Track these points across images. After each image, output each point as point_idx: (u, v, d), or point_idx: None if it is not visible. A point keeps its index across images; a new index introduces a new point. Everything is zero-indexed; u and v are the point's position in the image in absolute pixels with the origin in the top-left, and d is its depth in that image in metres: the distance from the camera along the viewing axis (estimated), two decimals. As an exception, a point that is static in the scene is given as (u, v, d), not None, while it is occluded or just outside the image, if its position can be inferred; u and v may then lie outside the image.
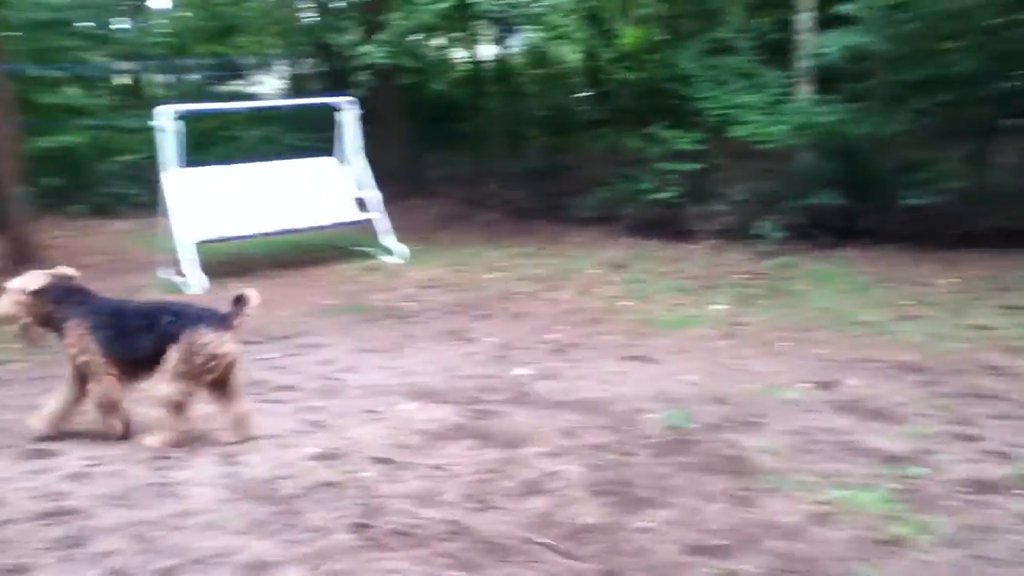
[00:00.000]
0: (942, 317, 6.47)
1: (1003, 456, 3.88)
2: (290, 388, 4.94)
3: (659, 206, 10.14)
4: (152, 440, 3.84)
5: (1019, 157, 10.76)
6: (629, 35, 17.15)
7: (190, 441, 3.91)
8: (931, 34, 8.92)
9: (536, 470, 3.79)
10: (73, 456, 3.63)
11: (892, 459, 3.89)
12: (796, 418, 4.45)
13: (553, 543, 3.14)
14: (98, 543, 2.83)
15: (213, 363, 3.87)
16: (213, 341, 3.89)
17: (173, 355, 3.83)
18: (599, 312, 7.03)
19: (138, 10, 19.17)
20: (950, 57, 8.98)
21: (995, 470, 3.73)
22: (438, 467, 3.82)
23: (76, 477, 3.40)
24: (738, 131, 9.42)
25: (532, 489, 3.60)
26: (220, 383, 3.96)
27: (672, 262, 8.90)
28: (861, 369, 5.30)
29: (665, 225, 10.12)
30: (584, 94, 19.00)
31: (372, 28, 10.68)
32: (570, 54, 18.08)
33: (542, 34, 11.49)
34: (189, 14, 18.86)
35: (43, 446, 3.79)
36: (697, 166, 10.17)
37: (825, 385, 5.00)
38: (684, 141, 10.00)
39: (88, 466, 3.54)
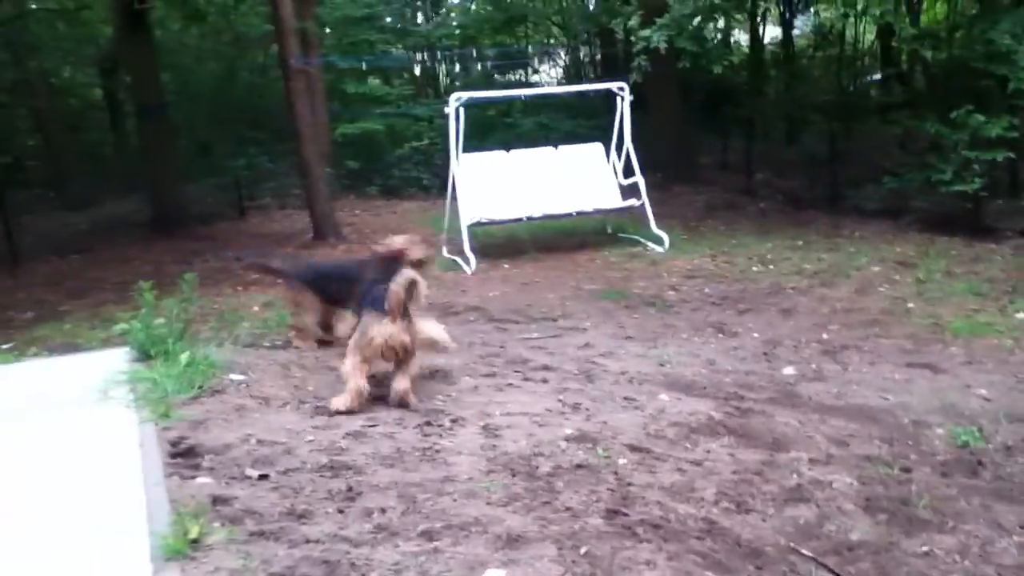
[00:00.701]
0: None
1: None
2: (550, 368, 5.04)
3: (957, 199, 9.17)
4: (336, 402, 4.11)
5: None
6: (934, 10, 15.65)
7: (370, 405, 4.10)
8: None
9: (801, 477, 3.58)
10: (355, 417, 3.95)
11: None
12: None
13: (817, 556, 2.96)
14: (370, 499, 3.05)
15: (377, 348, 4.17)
16: (376, 328, 4.15)
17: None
18: (879, 313, 6.52)
19: (436, 4, 20.53)
20: None
21: None
22: (695, 462, 3.72)
23: (356, 436, 3.69)
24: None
25: (795, 496, 3.41)
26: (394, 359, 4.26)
27: (969, 262, 8.03)
28: None
29: (963, 220, 9.15)
30: (875, 76, 17.67)
31: (653, 12, 10.59)
32: (863, 33, 16.90)
33: (835, 11, 10.77)
34: (480, 7, 19.90)
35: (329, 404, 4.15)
36: (1007, 155, 9.08)
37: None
38: (993, 127, 8.96)
39: (366, 426, 3.83)
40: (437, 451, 3.58)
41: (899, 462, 3.74)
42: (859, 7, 11.97)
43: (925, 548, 3.02)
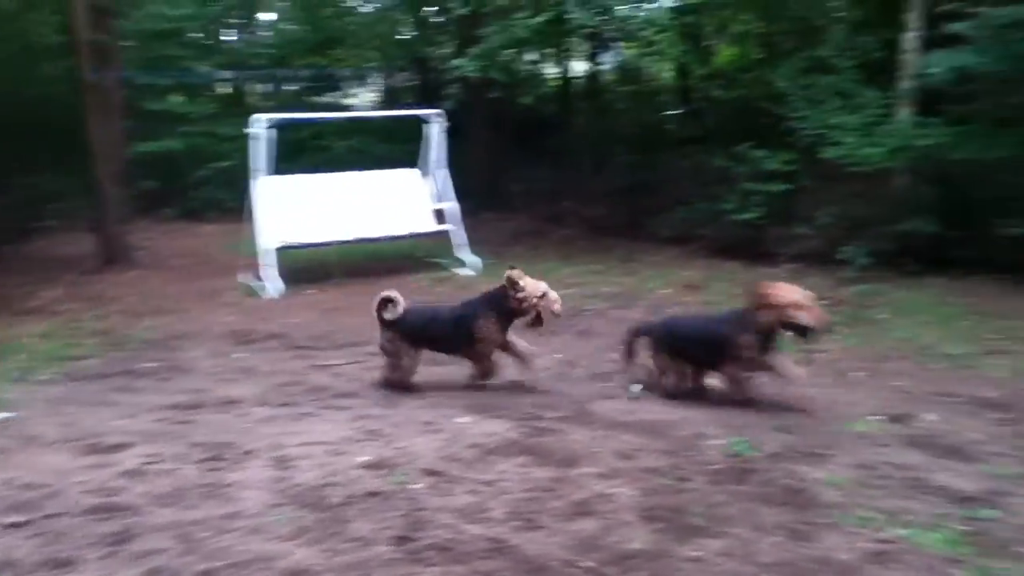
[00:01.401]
0: (1031, 354, 6.13)
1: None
2: (350, 395, 5.00)
3: (741, 227, 9.93)
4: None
5: None
6: (724, 53, 16.92)
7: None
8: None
9: (587, 491, 3.73)
10: (132, 454, 3.74)
11: (962, 499, 3.70)
12: (864, 451, 4.27)
13: (598, 567, 3.08)
14: (144, 541, 2.90)
15: None
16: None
17: None
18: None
19: (247, 22, 19.92)
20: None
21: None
22: (487, 483, 3.80)
23: (132, 474, 3.50)
24: (831, 152, 9.13)
25: (581, 510, 3.55)
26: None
27: (743, 285, 8.68)
28: (938, 403, 5.06)
29: (746, 247, 9.89)
30: (674, 112, 18.81)
31: (467, 42, 10.82)
32: (663, 71, 17.97)
33: (636, 50, 11.44)
34: (294, 26, 19.48)
35: (103, 441, 3.90)
36: (785, 187, 9.92)
37: (898, 418, 4.79)
38: (773, 161, 9.77)
39: (144, 464, 3.64)
40: (223, 486, 3.45)
41: (678, 473, 3.97)
42: (657, 48, 12.75)
43: (696, 553, 3.21)
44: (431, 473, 3.81)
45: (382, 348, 5.37)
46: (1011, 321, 7.02)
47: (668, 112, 18.74)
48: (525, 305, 5.13)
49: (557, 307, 5.19)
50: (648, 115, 17.65)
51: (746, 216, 9.76)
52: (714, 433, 4.53)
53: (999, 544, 3.28)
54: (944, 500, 3.70)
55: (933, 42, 9.14)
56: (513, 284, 5.12)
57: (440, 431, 4.44)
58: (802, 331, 4.67)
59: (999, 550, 3.23)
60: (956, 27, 8.43)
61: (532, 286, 5.16)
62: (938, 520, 3.49)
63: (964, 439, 4.45)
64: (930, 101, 9.42)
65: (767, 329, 4.72)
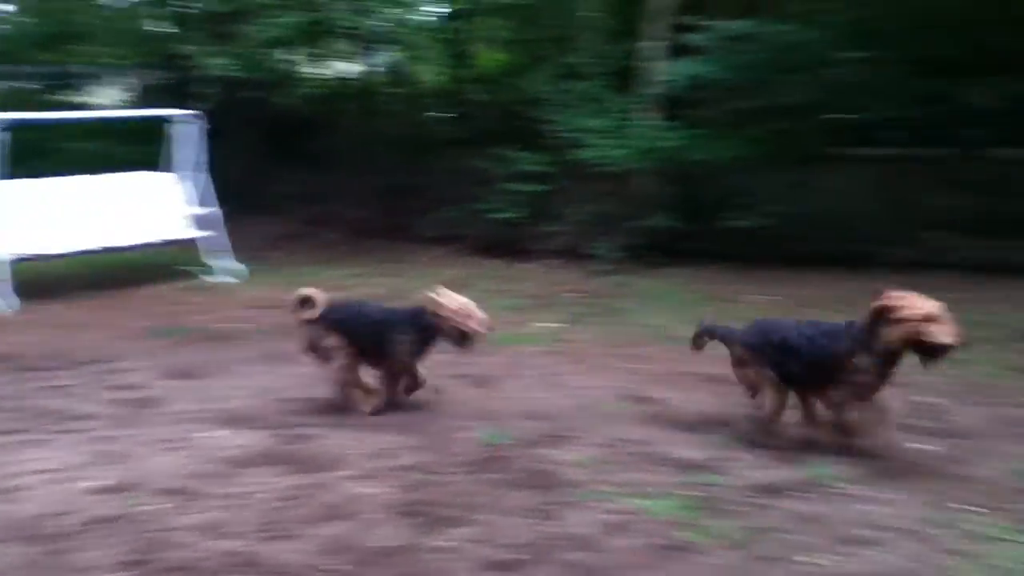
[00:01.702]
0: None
1: (791, 461, 4.08)
2: (85, 417, 4.64)
3: (501, 226, 10.25)
4: None
5: (841, 184, 11.53)
6: (486, 58, 17.37)
7: None
8: (768, 65, 9.41)
9: (339, 494, 3.70)
10: None
11: (691, 468, 4.03)
12: (608, 431, 4.55)
13: (345, 567, 3.07)
14: None
15: None
16: None
17: None
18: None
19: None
20: (783, 88, 9.50)
21: (782, 474, 3.93)
22: (235, 496, 3.67)
23: None
24: (583, 154, 9.64)
25: (332, 514, 3.52)
26: None
27: (510, 281, 8.99)
28: (675, 383, 5.49)
29: (506, 245, 10.23)
30: (441, 114, 19.06)
31: (223, 40, 10.35)
32: (430, 74, 18.15)
33: (401, 54, 11.47)
34: (29, 20, 17.74)
35: None
36: (542, 187, 10.35)
37: (639, 399, 5.15)
38: (531, 162, 10.16)
39: None
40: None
41: (431, 467, 4.03)
42: (422, 53, 12.87)
43: (446, 543, 3.29)
44: (173, 492, 3.62)
45: (310, 347, 4.92)
46: (738, 305, 7.75)
47: (435, 115, 18.98)
48: (448, 325, 4.63)
49: (476, 324, 4.63)
50: (416, 118, 17.77)
51: (506, 215, 10.09)
52: (468, 425, 4.64)
53: (719, 504, 3.62)
54: (676, 470, 4.02)
55: (676, 51, 9.94)
56: (436, 305, 4.64)
57: (185, 447, 4.23)
58: (933, 351, 3.81)
59: (721, 511, 3.57)
60: (692, 38, 9.22)
61: (453, 303, 4.68)
62: (669, 488, 3.79)
63: (696, 413, 4.85)
64: (672, 107, 10.23)
65: (892, 348, 3.92)
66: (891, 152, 12.11)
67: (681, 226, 9.53)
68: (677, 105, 10.15)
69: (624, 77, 10.63)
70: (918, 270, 8.62)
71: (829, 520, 3.45)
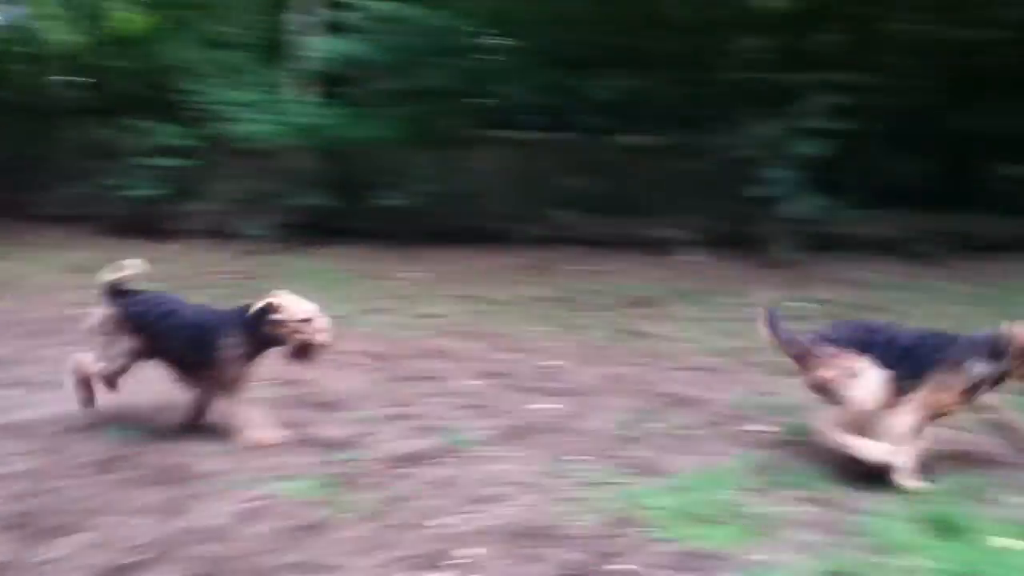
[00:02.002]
0: (404, 308, 7.03)
1: (430, 430, 4.28)
2: None
3: (138, 204, 9.49)
4: None
5: (483, 165, 12.22)
6: (122, 19, 15.80)
7: None
8: (416, 48, 9.64)
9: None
10: None
11: (334, 445, 4.06)
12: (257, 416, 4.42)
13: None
14: None
15: None
16: None
17: None
18: (51, 323, 6.31)
19: None
20: (429, 71, 9.80)
21: (421, 444, 4.10)
22: None
23: None
24: (230, 128, 9.22)
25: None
26: None
27: (150, 264, 8.36)
28: (328, 362, 5.48)
29: (144, 224, 9.50)
30: (70, 80, 17.08)
31: None
32: (59, 34, 16.18)
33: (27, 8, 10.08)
34: None
35: None
36: (185, 162, 9.73)
37: (287, 381, 5.07)
38: (172, 135, 9.49)
39: None
40: None
41: (47, 472, 3.66)
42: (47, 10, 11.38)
43: (60, 553, 3.00)
44: None
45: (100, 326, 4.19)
46: (389, 281, 7.97)
47: (63, 79, 17.00)
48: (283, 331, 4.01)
49: (323, 336, 4.03)
50: (40, 82, 15.77)
51: (143, 192, 9.37)
52: (96, 424, 4.27)
53: (358, 478, 3.69)
54: (319, 449, 4.02)
55: (331, 28, 9.82)
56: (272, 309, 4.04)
57: None
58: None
59: (357, 484, 3.63)
60: (343, 15, 9.17)
61: (295, 308, 4.06)
62: (310, 468, 3.78)
63: (344, 391, 4.89)
64: (328, 84, 10.13)
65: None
66: (526, 136, 13.09)
67: (334, 205, 9.53)
68: (331, 83, 10.10)
69: (274, 50, 10.34)
70: (548, 245, 9.48)
71: (460, 482, 3.66)
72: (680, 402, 4.72)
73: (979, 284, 8.00)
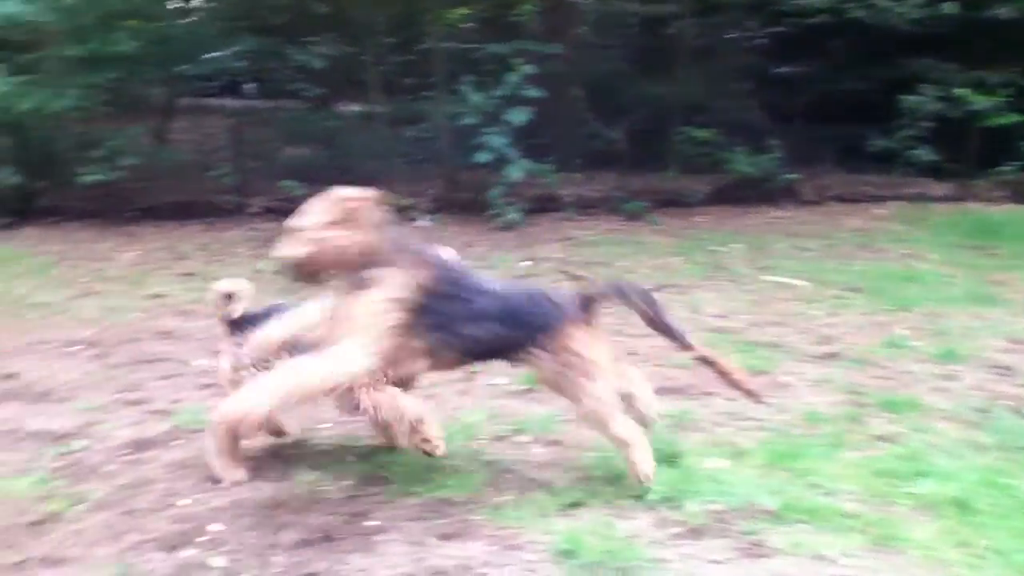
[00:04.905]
0: (121, 290, 6.63)
1: (164, 413, 4.16)
2: None
3: None
4: None
5: (196, 134, 11.66)
6: None
7: None
8: (100, 10, 8.90)
9: None
10: None
11: (56, 438, 3.84)
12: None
13: None
14: None
15: None
16: None
17: None
18: None
19: None
20: (116, 36, 9.10)
21: (155, 427, 3.98)
22: None
23: None
24: None
25: None
26: None
27: None
28: (34, 352, 5.11)
29: None
30: None
31: None
32: None
33: None
34: None
35: None
36: None
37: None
38: None
39: None
40: None
41: None
42: None
43: None
44: None
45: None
46: (101, 263, 7.46)
47: None
48: None
49: None
50: None
51: None
52: None
53: (88, 469, 3.53)
54: (39, 443, 3.78)
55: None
56: None
57: None
58: None
59: (88, 474, 3.47)
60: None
61: None
62: (31, 464, 3.56)
63: (59, 381, 4.60)
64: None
65: None
66: (240, 104, 12.68)
67: (26, 182, 8.66)
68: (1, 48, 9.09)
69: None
70: (276, 217, 9.30)
71: (199, 463, 3.58)
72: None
73: (679, 237, 9.01)
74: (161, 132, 10.68)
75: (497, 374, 4.70)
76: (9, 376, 4.68)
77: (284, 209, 9.33)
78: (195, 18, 10.37)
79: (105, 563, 2.82)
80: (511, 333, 3.21)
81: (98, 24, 8.96)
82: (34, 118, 8.66)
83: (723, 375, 3.41)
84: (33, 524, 3.06)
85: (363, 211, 3.16)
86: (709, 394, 4.33)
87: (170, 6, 10.36)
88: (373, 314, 3.06)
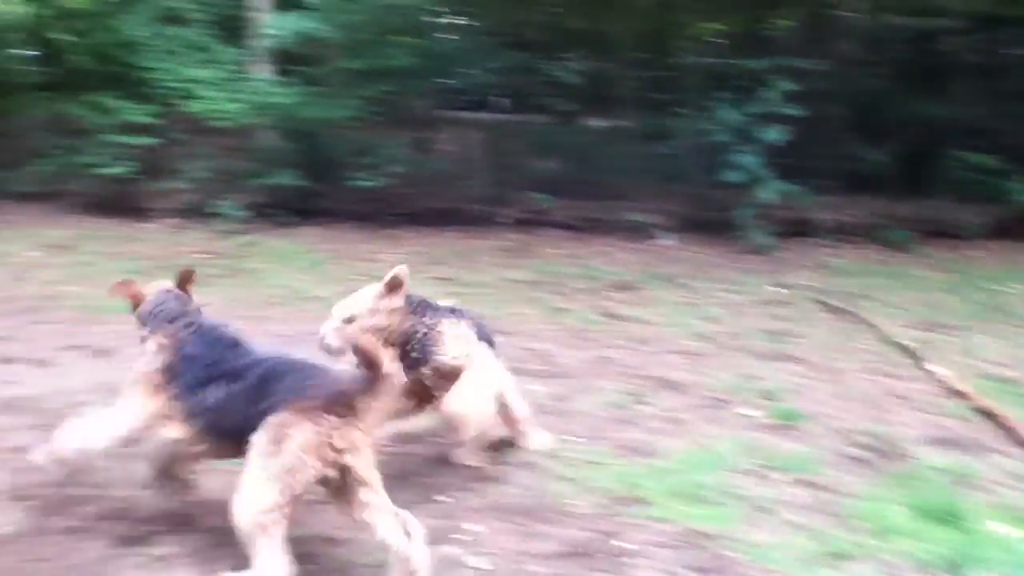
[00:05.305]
0: (384, 290, 7.08)
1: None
2: None
3: (111, 182, 9.39)
4: None
5: (454, 145, 12.28)
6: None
7: None
8: (376, 27, 9.63)
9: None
10: None
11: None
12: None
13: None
14: None
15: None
16: None
17: None
18: (36, 300, 6.29)
19: None
20: (392, 51, 9.83)
21: (414, 423, 4.19)
22: None
23: None
24: (193, 106, 9.13)
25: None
26: None
27: (125, 242, 8.35)
28: (309, 343, 5.53)
29: (119, 202, 9.42)
30: (26, 52, 16.66)
31: None
32: (9, 5, 15.74)
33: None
34: None
35: None
36: (152, 140, 9.63)
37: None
38: (136, 113, 9.36)
39: None
40: None
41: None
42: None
43: (71, 523, 3.09)
44: None
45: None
46: (367, 263, 8.00)
47: (17, 52, 16.59)
48: None
49: None
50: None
51: (114, 171, 9.24)
52: (91, 401, 4.30)
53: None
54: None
55: (287, 4, 9.75)
56: None
57: None
58: None
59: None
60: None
61: None
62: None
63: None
64: (288, 61, 10.07)
65: None
66: (495, 118, 13.16)
67: (306, 185, 9.51)
68: (293, 61, 10.04)
69: (232, 28, 10.22)
70: (525, 228, 9.60)
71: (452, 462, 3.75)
72: (668, 385, 4.88)
73: (950, 271, 8.31)
74: (423, 142, 11.34)
75: (748, 404, 4.55)
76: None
77: (533, 220, 9.75)
78: (460, 36, 10.93)
79: (372, 549, 3.00)
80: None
81: (375, 40, 9.70)
82: (317, 126, 9.52)
83: (1007, 430, 3.10)
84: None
85: None
86: (991, 450, 3.93)
87: (435, 21, 10.97)
88: None
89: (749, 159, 9.10)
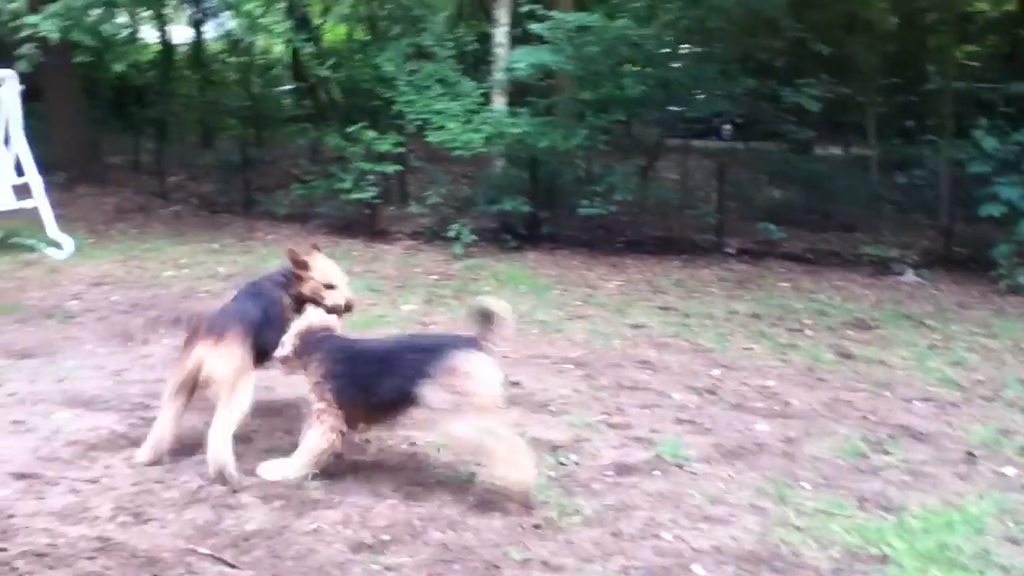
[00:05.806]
0: (606, 316, 7.08)
1: (645, 441, 4.31)
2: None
3: (357, 206, 10.15)
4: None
5: (675, 173, 12.16)
6: (332, 32, 16.94)
7: None
8: (608, 58, 9.77)
9: (202, 478, 3.61)
10: None
11: (551, 448, 4.18)
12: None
13: (214, 552, 3.02)
14: None
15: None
16: None
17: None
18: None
19: None
20: (623, 81, 9.92)
21: (637, 454, 4.14)
22: (92, 480, 3.53)
23: None
24: (435, 136, 9.67)
25: (196, 498, 3.44)
26: None
27: (367, 262, 8.93)
28: (533, 365, 5.64)
29: (362, 225, 10.15)
30: (287, 87, 18.51)
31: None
32: (273, 44, 17.53)
33: (240, 21, 10.97)
34: None
35: None
36: (396, 168, 10.30)
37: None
38: (384, 143, 10.06)
39: None
40: None
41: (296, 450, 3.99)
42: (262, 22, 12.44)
43: (314, 525, 3.28)
44: (23, 476, 3.43)
45: None
46: (589, 289, 8.06)
47: (280, 88, 18.42)
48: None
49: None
50: (259, 89, 17.20)
51: (361, 195, 9.99)
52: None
53: (578, 483, 3.79)
54: (537, 450, 4.14)
55: (520, 39, 10.12)
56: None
57: (34, 429, 4.00)
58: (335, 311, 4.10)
59: (578, 488, 3.73)
60: (536, 27, 9.42)
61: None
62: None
63: (553, 395, 5.01)
64: (520, 93, 10.43)
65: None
66: (725, 146, 12.89)
67: (534, 211, 9.77)
68: (525, 92, 10.37)
69: (473, 61, 10.75)
70: (753, 259, 9.27)
71: (681, 498, 3.64)
72: (912, 435, 4.48)
73: None
74: (648, 170, 11.33)
75: (1005, 461, 4.09)
76: (514, 384, 5.22)
77: (760, 252, 9.44)
78: (692, 64, 10.83)
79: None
80: None
81: (610, 71, 9.82)
82: (547, 154, 9.76)
83: None
84: (536, 527, 3.35)
85: None
86: None
87: (667, 51, 10.92)
88: None
89: (1012, 191, 8.30)
